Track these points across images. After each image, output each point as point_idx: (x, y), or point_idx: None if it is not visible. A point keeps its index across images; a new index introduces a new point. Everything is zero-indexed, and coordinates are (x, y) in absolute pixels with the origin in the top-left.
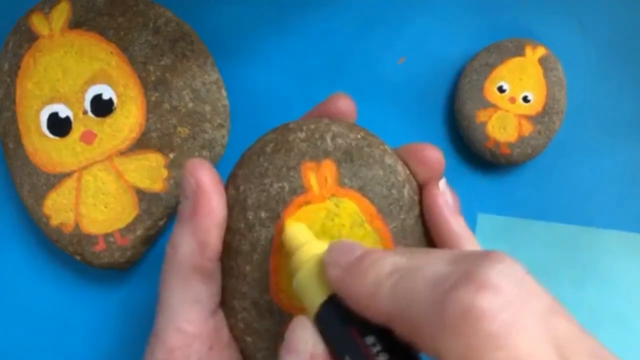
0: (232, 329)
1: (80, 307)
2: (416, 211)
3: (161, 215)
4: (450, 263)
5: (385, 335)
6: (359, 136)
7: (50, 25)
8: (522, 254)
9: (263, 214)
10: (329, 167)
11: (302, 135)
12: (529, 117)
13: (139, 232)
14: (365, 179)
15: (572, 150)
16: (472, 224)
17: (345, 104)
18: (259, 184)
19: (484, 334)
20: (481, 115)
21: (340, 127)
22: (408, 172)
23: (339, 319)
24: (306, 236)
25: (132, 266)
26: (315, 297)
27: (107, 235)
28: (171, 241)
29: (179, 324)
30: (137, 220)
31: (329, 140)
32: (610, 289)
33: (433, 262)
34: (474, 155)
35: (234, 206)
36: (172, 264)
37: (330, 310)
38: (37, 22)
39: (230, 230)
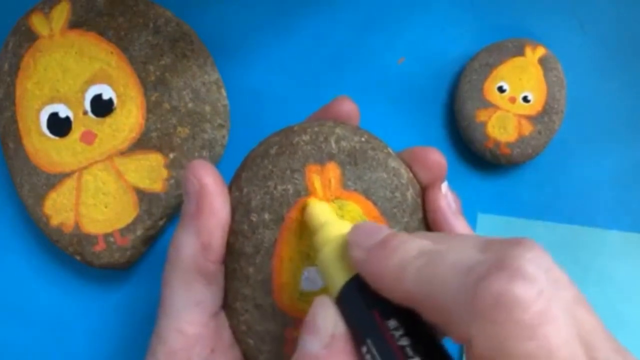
0: (234, 331)
1: (80, 307)
2: (419, 214)
3: (161, 215)
4: (479, 249)
5: (408, 319)
6: (362, 139)
7: (50, 25)
8: None
9: (267, 216)
10: (333, 170)
11: (306, 137)
12: (529, 117)
13: (139, 232)
14: (369, 181)
15: (572, 150)
16: (472, 224)
17: (348, 107)
18: (263, 187)
19: (517, 323)
20: (481, 115)
21: (344, 129)
22: (411, 175)
23: (362, 300)
24: (330, 215)
25: (132, 266)
26: (338, 277)
27: (107, 235)
28: (174, 242)
29: (181, 325)
30: (137, 220)
31: (333, 143)
32: (610, 289)
33: (461, 247)
34: (474, 155)
35: (238, 208)
36: (175, 266)
37: (353, 291)
38: (37, 22)
39: (233, 232)
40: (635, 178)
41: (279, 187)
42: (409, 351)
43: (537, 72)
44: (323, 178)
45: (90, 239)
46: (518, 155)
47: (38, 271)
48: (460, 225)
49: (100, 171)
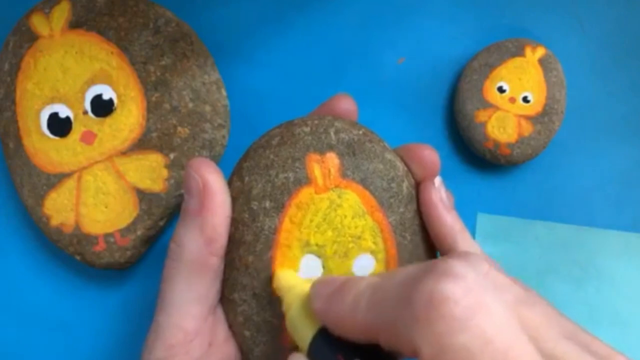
0: (231, 323)
1: (80, 307)
2: (414, 205)
3: (161, 216)
4: (421, 268)
5: (372, 355)
6: (360, 132)
7: (51, 25)
8: (522, 253)
9: (268, 204)
10: (332, 160)
11: (306, 129)
12: (528, 118)
13: (139, 232)
14: (367, 172)
15: (572, 151)
16: (472, 223)
17: (347, 104)
18: (264, 175)
19: (449, 318)
20: (481, 116)
21: (343, 123)
22: (406, 168)
23: (328, 348)
24: (295, 279)
25: (132, 266)
26: (306, 333)
27: (107, 236)
28: (175, 239)
29: (180, 321)
30: (137, 220)
31: (332, 134)
32: (610, 289)
33: (404, 271)
34: (474, 155)
35: (239, 197)
36: (177, 261)
37: (320, 343)
38: (38, 22)
39: (233, 222)
40: (635, 178)
41: (280, 176)
42: None
43: (537, 72)
44: (323, 167)
45: (91, 239)
46: (518, 156)
47: (38, 271)
48: (451, 217)
49: (100, 171)
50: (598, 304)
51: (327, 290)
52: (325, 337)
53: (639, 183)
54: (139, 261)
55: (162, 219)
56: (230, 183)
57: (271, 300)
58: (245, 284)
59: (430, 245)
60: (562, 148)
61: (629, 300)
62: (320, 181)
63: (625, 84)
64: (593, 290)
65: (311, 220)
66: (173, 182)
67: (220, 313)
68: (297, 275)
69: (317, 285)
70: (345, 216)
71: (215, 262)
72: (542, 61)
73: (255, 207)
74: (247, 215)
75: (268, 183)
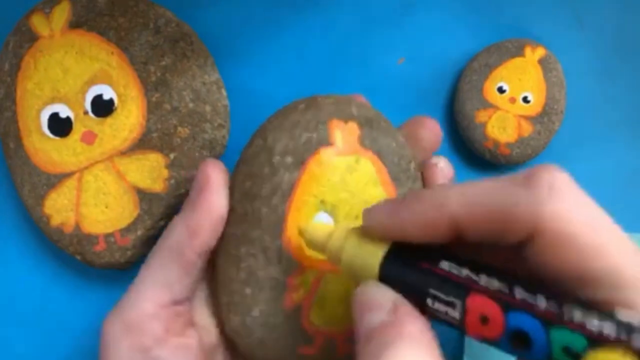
0: (227, 283)
1: (80, 307)
2: (419, 185)
3: (162, 216)
4: (510, 176)
5: (451, 255)
6: (378, 113)
7: (51, 25)
8: None
9: (289, 159)
10: (353, 127)
11: (330, 100)
12: (528, 118)
13: (139, 232)
14: (383, 145)
15: (572, 151)
16: None
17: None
18: (288, 133)
19: (578, 194)
20: (481, 116)
21: (360, 102)
22: (412, 152)
23: (405, 263)
24: (328, 227)
25: (132, 266)
26: (372, 262)
27: (107, 236)
28: (167, 227)
29: (140, 301)
30: (137, 220)
31: (353, 108)
32: None
33: (488, 180)
34: (474, 156)
35: (260, 154)
36: (160, 246)
37: (393, 261)
38: (38, 23)
39: (250, 177)
40: (634, 178)
41: (304, 135)
42: (473, 275)
43: (537, 72)
44: (344, 132)
45: (91, 239)
46: (518, 156)
47: (38, 271)
48: None
49: (100, 171)
50: None
51: (390, 207)
52: (397, 254)
53: (638, 183)
54: (140, 261)
55: (163, 219)
56: (251, 144)
57: (280, 255)
58: (254, 238)
59: None
60: (562, 148)
61: None
62: (340, 144)
63: (625, 84)
64: None
65: (328, 180)
66: (173, 182)
67: (186, 309)
68: (327, 223)
69: (374, 208)
70: (360, 182)
71: (192, 257)
72: (542, 61)
73: (276, 162)
74: (267, 170)
75: (291, 140)
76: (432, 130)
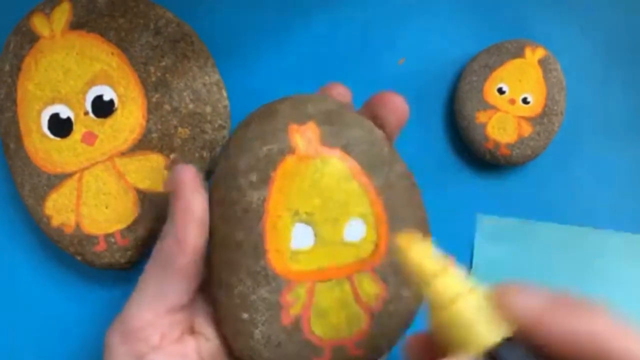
0: (225, 311)
1: (80, 308)
2: (397, 169)
3: (162, 216)
4: None
5: None
6: (337, 104)
7: (51, 26)
8: (522, 254)
9: (254, 177)
10: (312, 128)
11: (285, 104)
12: (528, 119)
13: (139, 233)
14: (348, 138)
15: (572, 151)
16: (471, 225)
17: (342, 92)
18: (248, 150)
19: None
20: (481, 117)
21: (319, 97)
22: (383, 134)
23: (522, 356)
24: (441, 261)
25: (132, 266)
26: (485, 334)
27: (108, 236)
28: (160, 234)
29: (138, 311)
30: (138, 220)
31: (309, 106)
32: (610, 290)
33: None
34: (474, 156)
35: (226, 177)
36: (152, 256)
37: (510, 351)
38: (38, 23)
39: (221, 202)
40: (634, 179)
41: (264, 148)
42: None
43: (536, 73)
44: (304, 136)
45: (91, 239)
46: (517, 157)
47: (38, 271)
48: None
49: (101, 172)
50: None
51: (537, 297)
52: (513, 345)
53: (638, 184)
54: (140, 261)
55: (163, 220)
56: (218, 164)
57: (267, 275)
58: (239, 264)
59: (418, 205)
60: (562, 149)
61: (629, 300)
62: (302, 149)
63: (625, 85)
64: (593, 291)
65: (298, 189)
66: None
67: (183, 317)
68: (432, 253)
69: (526, 294)
70: (331, 182)
71: (184, 263)
72: (541, 62)
73: (242, 183)
74: (234, 192)
75: (252, 157)
76: (393, 108)
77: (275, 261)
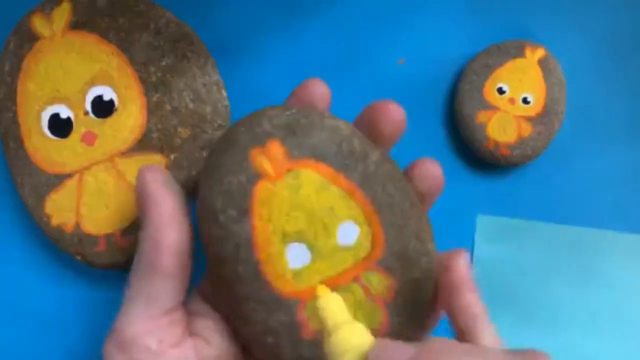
0: (250, 338)
1: (80, 308)
2: (373, 157)
3: None
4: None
5: None
6: (293, 111)
7: (51, 26)
8: (522, 255)
9: (233, 213)
10: (274, 146)
11: (242, 128)
12: (528, 118)
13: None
14: (312, 144)
15: (572, 151)
16: (471, 225)
17: (321, 88)
18: (218, 187)
19: None
20: (481, 116)
21: (274, 109)
22: (351, 126)
23: None
24: (344, 315)
25: None
26: None
27: (108, 236)
28: (137, 244)
29: (131, 319)
30: (138, 220)
31: (265, 123)
32: (611, 290)
33: (492, 353)
34: (474, 156)
35: (208, 217)
36: (135, 262)
37: None
38: (38, 23)
39: (212, 243)
40: (635, 179)
41: (234, 180)
42: None
43: (536, 73)
44: (268, 156)
45: (91, 239)
46: (517, 157)
47: (38, 271)
48: (473, 299)
49: (101, 172)
50: (599, 305)
51: None
52: None
53: (638, 184)
54: None
55: None
56: (197, 202)
57: (277, 300)
58: (247, 296)
59: (408, 193)
60: (562, 149)
61: (630, 301)
62: (271, 171)
63: (625, 85)
64: (593, 292)
65: (279, 211)
66: None
67: (179, 315)
68: (344, 307)
69: (382, 352)
70: (310, 194)
71: (166, 262)
72: (542, 62)
73: (223, 220)
74: (220, 231)
75: (226, 193)
76: (389, 118)
77: (280, 286)
